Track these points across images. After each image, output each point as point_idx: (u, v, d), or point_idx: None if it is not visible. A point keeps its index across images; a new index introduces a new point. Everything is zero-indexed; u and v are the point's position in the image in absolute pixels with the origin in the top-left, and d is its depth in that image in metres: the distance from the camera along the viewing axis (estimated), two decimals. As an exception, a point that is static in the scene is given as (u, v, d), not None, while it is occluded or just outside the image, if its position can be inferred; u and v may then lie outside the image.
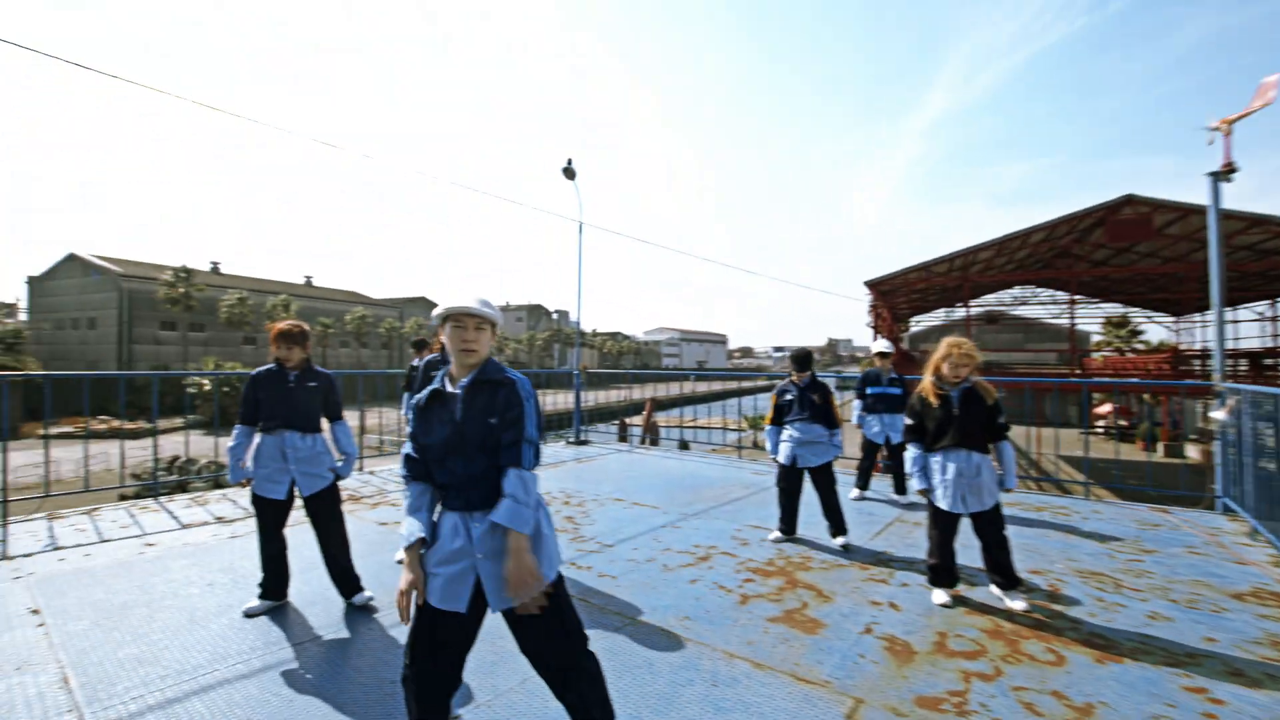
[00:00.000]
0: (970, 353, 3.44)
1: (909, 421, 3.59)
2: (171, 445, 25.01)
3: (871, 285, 23.14)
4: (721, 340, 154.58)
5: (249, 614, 3.14)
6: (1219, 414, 5.48)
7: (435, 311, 1.89)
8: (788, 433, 4.56)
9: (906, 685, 2.62)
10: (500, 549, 1.79)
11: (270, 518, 3.27)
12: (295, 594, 3.42)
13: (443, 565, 1.81)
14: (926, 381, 3.56)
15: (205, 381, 31.62)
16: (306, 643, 2.89)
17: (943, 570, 3.47)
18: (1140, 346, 41.28)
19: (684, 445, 14.74)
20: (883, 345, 6.12)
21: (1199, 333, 30.28)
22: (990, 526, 3.42)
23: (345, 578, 3.32)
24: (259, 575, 3.26)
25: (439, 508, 1.90)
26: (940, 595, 3.48)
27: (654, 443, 18.79)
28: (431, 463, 1.86)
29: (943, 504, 3.44)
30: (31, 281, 49.45)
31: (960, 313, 38.06)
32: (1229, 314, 28.32)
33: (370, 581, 3.63)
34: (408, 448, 1.94)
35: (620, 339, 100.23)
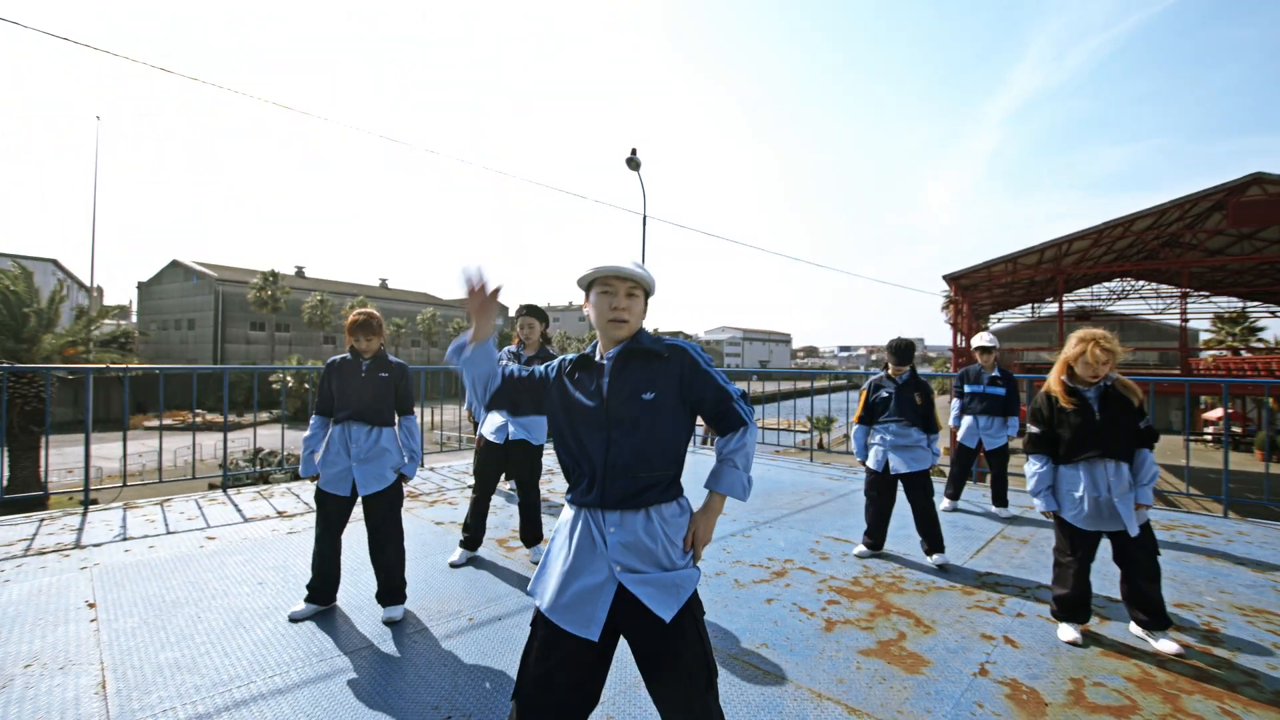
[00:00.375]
0: (1112, 347, 2.86)
1: (1034, 430, 3.01)
2: (261, 437, 26.54)
3: (951, 279, 21.70)
4: (785, 339, 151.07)
5: (294, 618, 2.98)
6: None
7: (580, 276, 1.62)
8: (879, 434, 4.06)
9: (1043, 748, 2.13)
10: (641, 565, 1.49)
11: (330, 515, 3.11)
12: (344, 598, 3.26)
13: (572, 577, 1.51)
14: (1055, 381, 2.99)
15: (290, 377, 33.46)
16: (349, 654, 2.68)
17: (1075, 602, 2.91)
18: (1259, 345, 37.13)
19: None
20: (985, 339, 5.46)
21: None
22: (1141, 553, 2.83)
23: (390, 587, 3.10)
24: (309, 575, 3.11)
25: (566, 505, 1.62)
26: (1068, 631, 2.92)
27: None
28: (567, 437, 1.60)
29: (1082, 524, 2.88)
30: (140, 286, 53.99)
31: (1048, 309, 35.40)
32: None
33: (419, 586, 3.43)
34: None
35: (683, 338, 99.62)
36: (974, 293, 24.27)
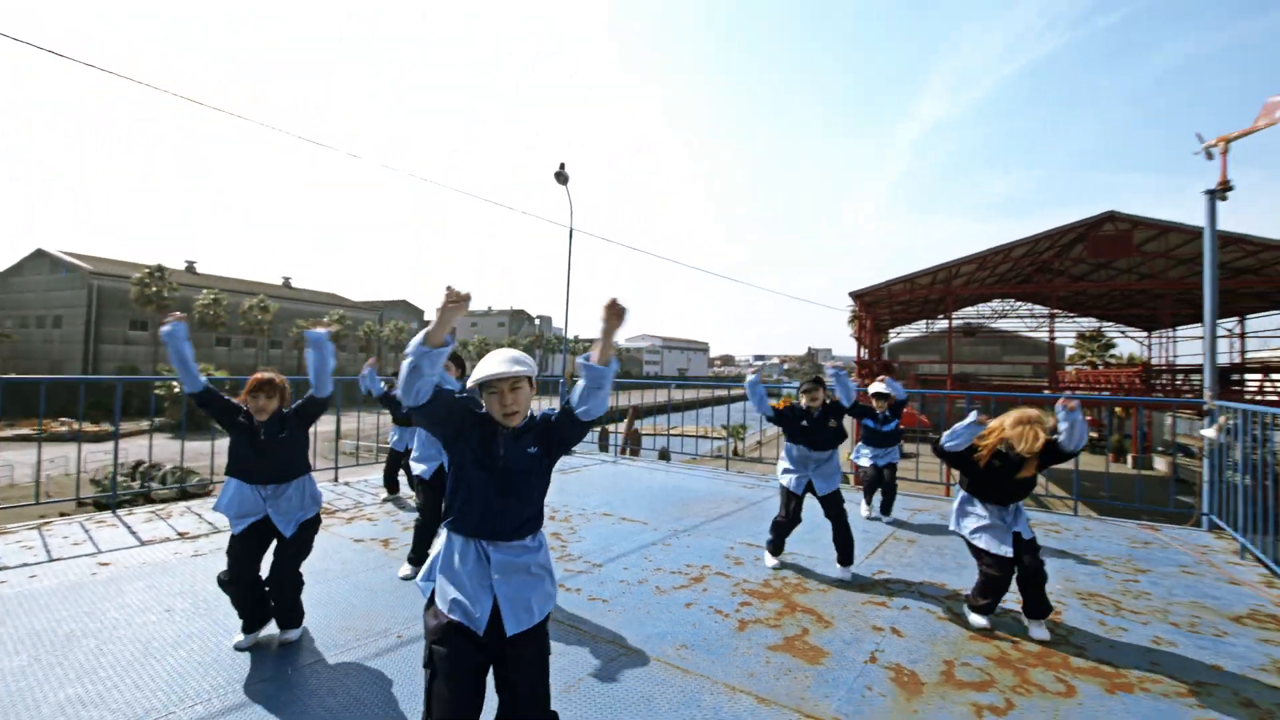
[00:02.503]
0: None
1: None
2: (135, 450, 24.10)
3: (856, 296, 23.28)
4: (703, 348, 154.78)
5: (239, 648, 2.88)
6: (1209, 432, 5.47)
7: (470, 381, 1.89)
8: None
9: (917, 722, 2.48)
10: (517, 570, 1.86)
11: (243, 547, 2.95)
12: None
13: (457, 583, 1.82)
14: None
15: (176, 384, 30.72)
16: (272, 680, 2.66)
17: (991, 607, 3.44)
18: (1111, 360, 42.09)
19: (664, 455, 14.55)
20: (879, 387, 5.92)
21: (1170, 347, 30.96)
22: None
23: (293, 610, 3.05)
24: (223, 599, 3.02)
25: (446, 531, 1.90)
26: (981, 620, 3.42)
27: (635, 452, 18.57)
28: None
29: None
30: (-6, 278, 47.76)
31: (940, 324, 38.51)
32: (1197, 330, 28.98)
33: (343, 606, 3.41)
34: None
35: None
36: (876, 309, 26.10)
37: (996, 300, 32.52)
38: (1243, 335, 25.28)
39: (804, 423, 4.26)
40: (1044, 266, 25.17)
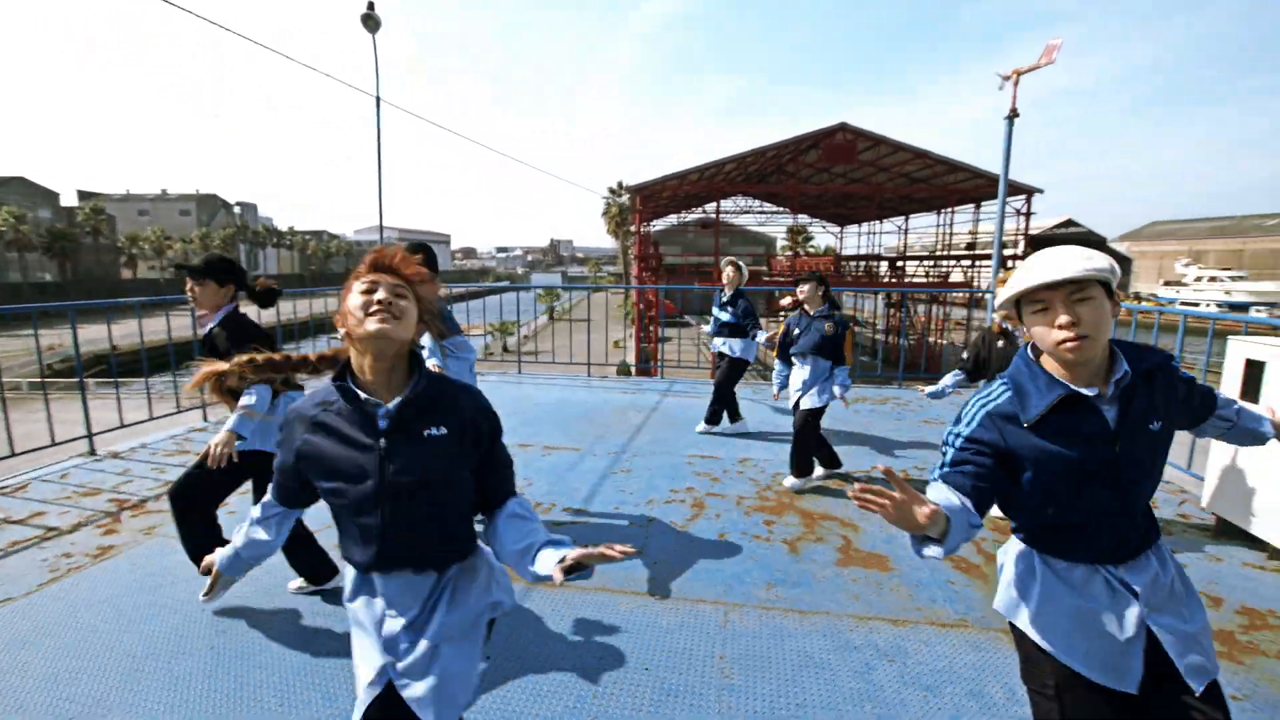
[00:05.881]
0: None
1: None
2: None
3: (636, 190, 23.59)
4: (445, 240, 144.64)
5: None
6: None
7: (1003, 293, 1.17)
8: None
9: (1014, 606, 2.71)
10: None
11: None
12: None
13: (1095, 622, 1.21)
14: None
15: None
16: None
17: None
18: (811, 250, 51.19)
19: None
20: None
21: (859, 240, 38.63)
22: None
23: None
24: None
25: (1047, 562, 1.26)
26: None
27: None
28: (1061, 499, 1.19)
29: None
30: None
31: (688, 218, 41.83)
32: (876, 226, 36.49)
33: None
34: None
35: (326, 238, 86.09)
36: (649, 203, 26.99)
37: (739, 197, 36.26)
38: (906, 231, 32.71)
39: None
40: (780, 168, 28.61)
